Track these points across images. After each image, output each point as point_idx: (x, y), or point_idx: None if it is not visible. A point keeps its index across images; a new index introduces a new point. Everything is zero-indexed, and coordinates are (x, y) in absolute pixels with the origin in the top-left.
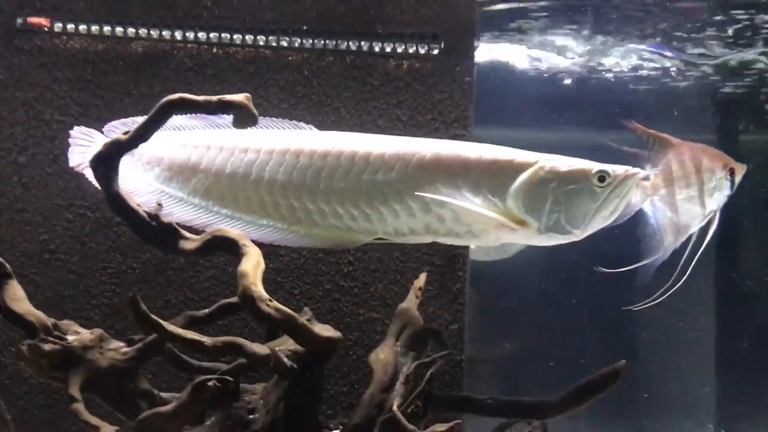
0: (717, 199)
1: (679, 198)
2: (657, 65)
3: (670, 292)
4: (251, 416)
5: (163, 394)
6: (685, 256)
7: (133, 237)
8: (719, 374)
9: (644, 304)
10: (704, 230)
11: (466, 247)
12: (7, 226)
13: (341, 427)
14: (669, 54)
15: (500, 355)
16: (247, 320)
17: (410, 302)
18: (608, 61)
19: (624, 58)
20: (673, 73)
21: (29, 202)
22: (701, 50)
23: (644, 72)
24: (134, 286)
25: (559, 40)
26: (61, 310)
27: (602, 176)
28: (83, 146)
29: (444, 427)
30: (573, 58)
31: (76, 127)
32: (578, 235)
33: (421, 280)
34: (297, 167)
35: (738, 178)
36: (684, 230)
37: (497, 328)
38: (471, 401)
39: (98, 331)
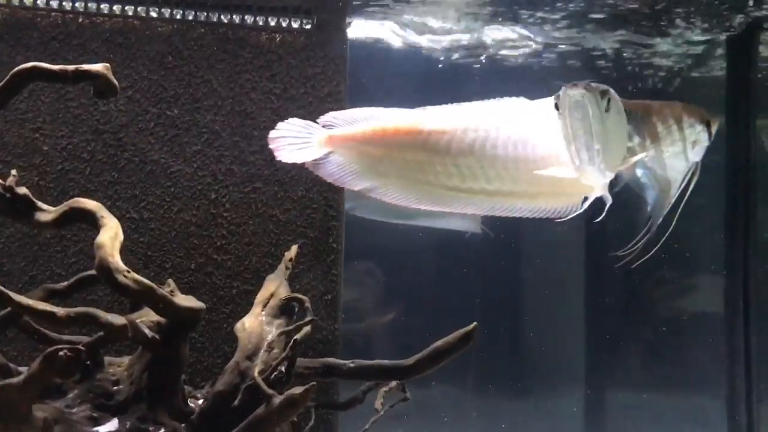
0: (698, 152)
1: (666, 155)
2: (525, 45)
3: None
4: (115, 387)
5: (21, 368)
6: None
7: None
8: (589, 342)
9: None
10: (688, 181)
11: (341, 219)
12: None
13: (207, 395)
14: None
15: (375, 325)
16: (116, 294)
17: (279, 273)
18: (481, 41)
19: (495, 38)
20: (536, 52)
21: None
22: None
23: (509, 51)
24: None
25: (432, 21)
26: None
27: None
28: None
29: (300, 389)
30: (446, 37)
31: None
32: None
33: (293, 251)
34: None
35: (714, 129)
36: (674, 185)
37: (373, 299)
38: (333, 366)
39: None
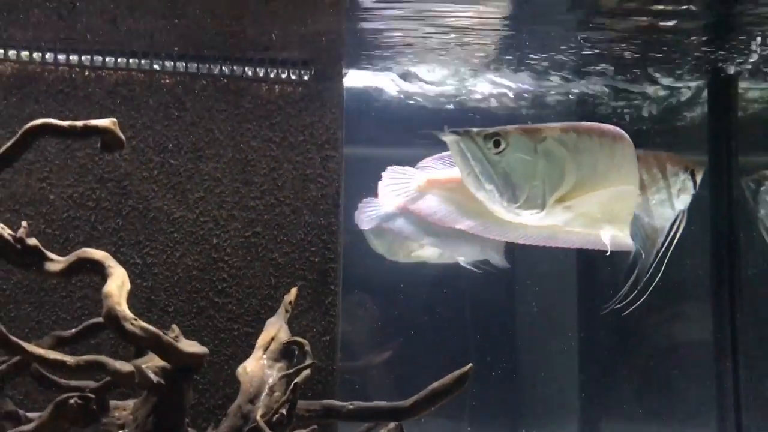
0: (683, 200)
1: (653, 203)
2: (510, 94)
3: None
4: (121, 431)
5: (29, 414)
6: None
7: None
8: (583, 380)
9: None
10: (675, 229)
11: (339, 262)
12: None
13: None
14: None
15: (372, 363)
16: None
17: (279, 316)
18: (466, 90)
19: (480, 87)
20: (523, 100)
21: None
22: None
23: (494, 101)
24: (3, 307)
25: (422, 72)
26: None
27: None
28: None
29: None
30: (435, 87)
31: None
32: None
33: (292, 294)
34: None
35: (698, 178)
36: (660, 232)
37: (369, 338)
38: (333, 408)
39: None
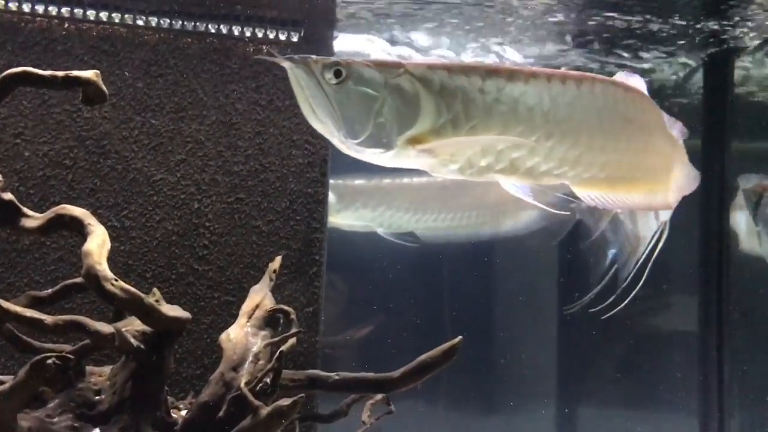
0: (666, 210)
1: (639, 212)
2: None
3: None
4: (97, 397)
5: (2, 377)
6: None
7: None
8: (561, 361)
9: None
10: (657, 239)
11: (324, 232)
12: None
13: (190, 406)
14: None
15: (354, 337)
16: (95, 302)
17: (263, 283)
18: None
19: (477, 57)
20: None
21: None
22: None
23: None
24: None
25: (417, 36)
26: None
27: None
28: None
29: (288, 401)
30: (427, 53)
31: None
32: None
33: (276, 262)
34: None
35: None
36: (643, 241)
37: (352, 311)
38: (318, 378)
39: None
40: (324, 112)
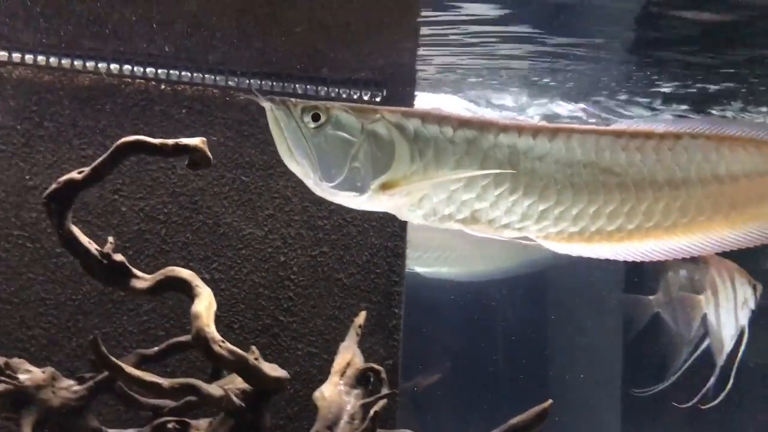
0: (745, 313)
1: (722, 311)
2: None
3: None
4: None
5: (112, 431)
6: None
7: (72, 268)
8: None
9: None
10: (736, 345)
11: (403, 285)
12: None
13: None
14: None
15: (422, 385)
16: (185, 354)
17: (351, 339)
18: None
19: (547, 113)
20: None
21: None
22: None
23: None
24: (72, 317)
25: (491, 95)
26: None
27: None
28: None
29: None
30: (509, 113)
31: None
32: None
33: (361, 317)
34: None
35: (758, 294)
36: (726, 347)
37: (427, 361)
38: None
39: (50, 369)
40: (301, 154)
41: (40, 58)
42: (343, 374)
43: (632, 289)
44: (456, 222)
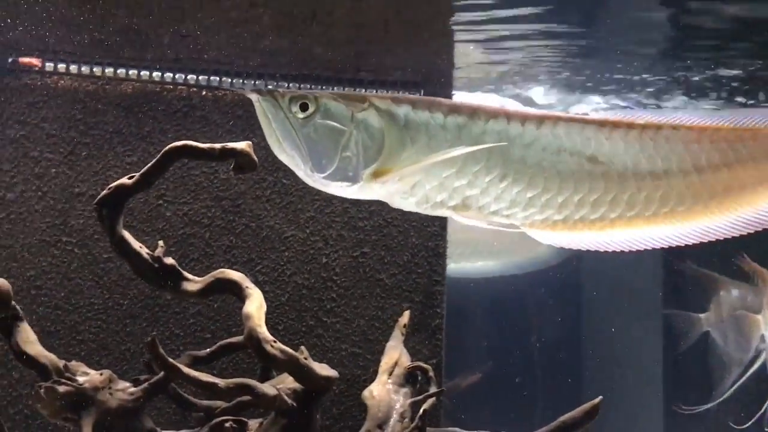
0: None
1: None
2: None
3: None
4: None
5: None
6: None
7: (120, 274)
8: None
9: None
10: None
11: (444, 284)
12: None
13: None
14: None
15: (462, 385)
16: (231, 357)
17: (397, 339)
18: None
19: (590, 108)
20: None
21: (16, 239)
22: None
23: None
24: (120, 322)
25: (526, 92)
26: (47, 346)
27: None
28: None
29: None
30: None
31: None
32: None
33: (405, 317)
34: None
35: None
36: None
37: (470, 360)
38: None
39: (107, 372)
40: (290, 145)
41: (84, 68)
42: (391, 373)
43: (672, 303)
44: (448, 209)
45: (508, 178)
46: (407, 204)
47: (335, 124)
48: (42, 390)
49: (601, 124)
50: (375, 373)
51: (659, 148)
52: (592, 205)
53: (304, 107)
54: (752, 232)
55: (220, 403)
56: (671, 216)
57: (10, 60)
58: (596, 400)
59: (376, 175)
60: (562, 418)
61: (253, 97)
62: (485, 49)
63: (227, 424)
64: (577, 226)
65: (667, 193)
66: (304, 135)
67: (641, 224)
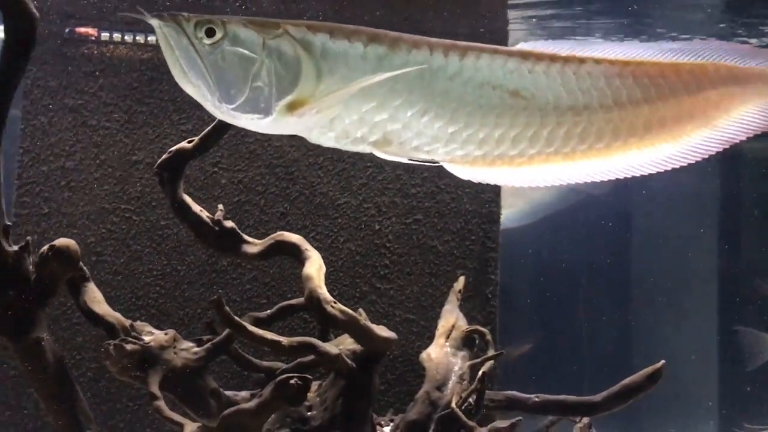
0: None
1: None
2: None
3: None
4: (309, 413)
5: (228, 393)
6: None
7: (177, 240)
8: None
9: None
10: None
11: (498, 251)
12: (55, 229)
13: (391, 423)
14: None
15: (514, 355)
16: (287, 321)
17: (453, 303)
18: None
19: None
20: None
21: (76, 206)
22: None
23: None
24: (178, 287)
25: None
26: None
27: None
28: None
29: (505, 423)
30: None
31: None
32: None
33: (460, 283)
34: None
35: None
36: None
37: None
38: (518, 400)
39: (171, 331)
40: (196, 74)
41: (139, 37)
42: (448, 336)
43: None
44: (368, 144)
45: (430, 112)
46: (326, 139)
47: (245, 51)
48: (111, 347)
49: (524, 56)
50: (429, 339)
51: (581, 82)
52: (512, 140)
53: (210, 33)
54: (671, 169)
55: (280, 365)
56: (590, 152)
57: (67, 30)
58: (659, 364)
59: (291, 107)
60: (624, 382)
61: (154, 23)
62: (539, 12)
63: (292, 381)
64: (496, 162)
65: (587, 129)
66: (211, 63)
67: (559, 161)
